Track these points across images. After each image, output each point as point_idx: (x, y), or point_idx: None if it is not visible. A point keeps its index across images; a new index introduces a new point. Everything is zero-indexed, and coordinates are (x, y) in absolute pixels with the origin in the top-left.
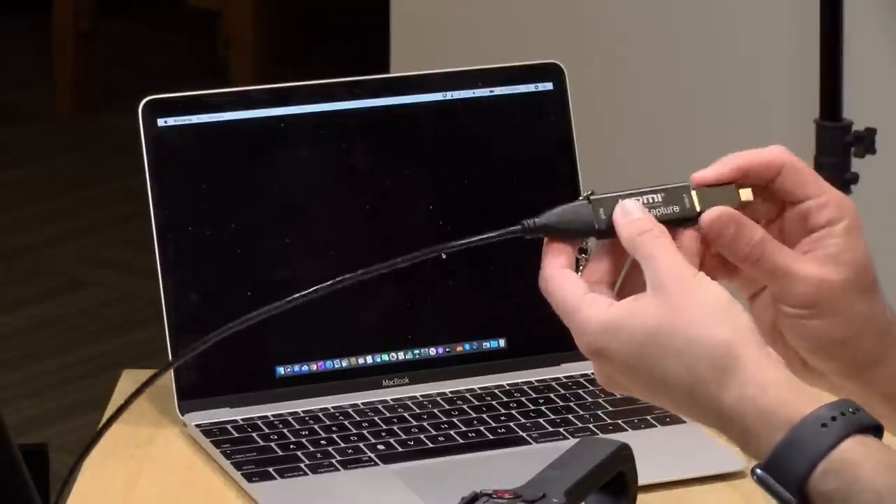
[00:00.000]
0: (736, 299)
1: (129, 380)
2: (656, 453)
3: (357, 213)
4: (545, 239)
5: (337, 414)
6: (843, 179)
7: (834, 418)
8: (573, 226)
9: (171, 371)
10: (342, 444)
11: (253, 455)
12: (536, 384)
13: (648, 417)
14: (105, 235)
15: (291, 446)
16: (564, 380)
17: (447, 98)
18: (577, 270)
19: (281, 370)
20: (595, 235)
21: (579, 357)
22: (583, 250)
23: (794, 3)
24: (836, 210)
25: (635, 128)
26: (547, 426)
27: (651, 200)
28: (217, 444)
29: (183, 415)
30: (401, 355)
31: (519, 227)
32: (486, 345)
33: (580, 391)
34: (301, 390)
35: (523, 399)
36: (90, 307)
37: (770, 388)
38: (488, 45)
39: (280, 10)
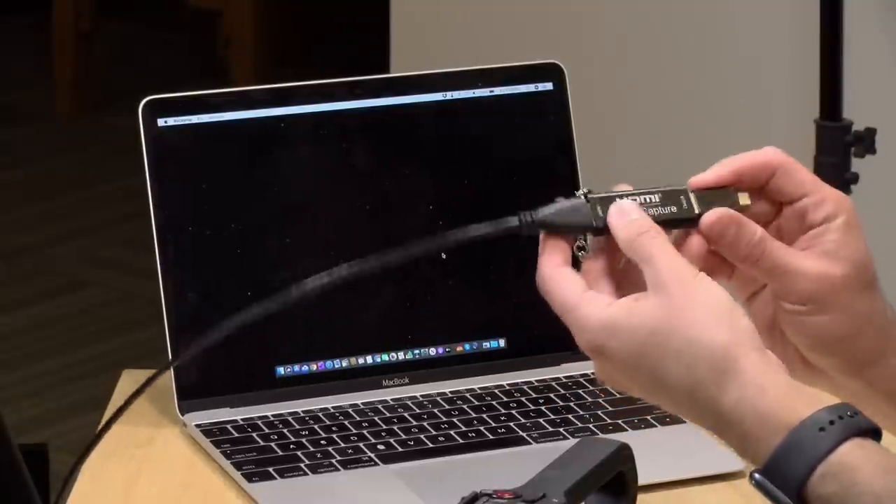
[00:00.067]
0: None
1: (129, 380)
2: (656, 453)
3: (357, 213)
4: (541, 236)
5: (337, 414)
6: (843, 179)
7: (832, 422)
8: (571, 222)
9: (171, 371)
10: (342, 444)
11: (253, 455)
12: (536, 384)
13: (648, 417)
14: (105, 235)
15: (291, 446)
16: (564, 380)
17: (447, 98)
18: (575, 267)
19: (281, 370)
20: (592, 232)
21: (579, 357)
22: (581, 247)
23: (794, 3)
24: (833, 207)
25: (635, 128)
26: (547, 426)
27: (648, 200)
28: (217, 444)
29: (183, 415)
30: (401, 355)
31: (516, 219)
32: (486, 345)
33: (580, 391)
34: (301, 390)
35: (523, 399)
36: (90, 307)
37: (769, 390)
38: (488, 45)
39: (280, 10)
